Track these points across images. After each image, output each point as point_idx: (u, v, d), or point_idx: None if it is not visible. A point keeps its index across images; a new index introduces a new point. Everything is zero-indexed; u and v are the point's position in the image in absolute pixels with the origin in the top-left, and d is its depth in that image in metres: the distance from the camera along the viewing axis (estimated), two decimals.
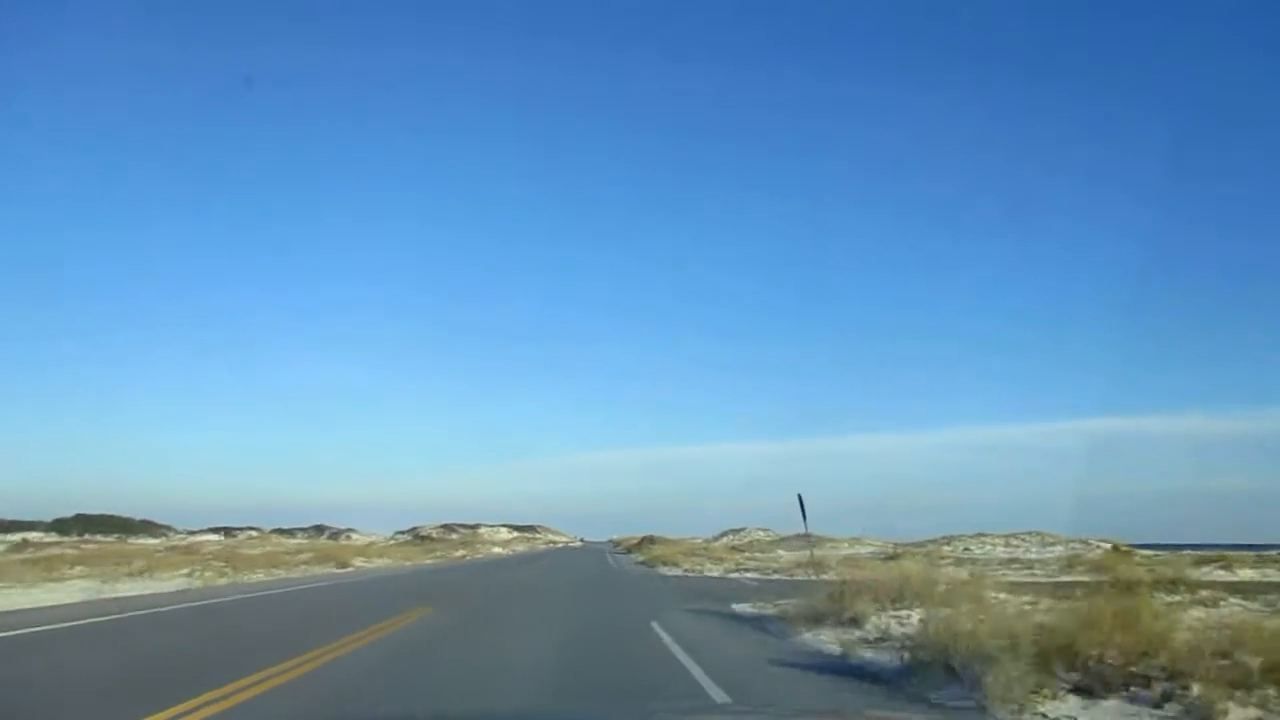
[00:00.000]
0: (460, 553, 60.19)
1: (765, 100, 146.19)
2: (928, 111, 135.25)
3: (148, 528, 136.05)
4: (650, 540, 77.14)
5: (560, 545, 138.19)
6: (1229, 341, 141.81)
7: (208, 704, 7.01)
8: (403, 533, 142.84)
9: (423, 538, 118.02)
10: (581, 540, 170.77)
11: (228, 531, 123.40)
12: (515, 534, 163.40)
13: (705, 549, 57.31)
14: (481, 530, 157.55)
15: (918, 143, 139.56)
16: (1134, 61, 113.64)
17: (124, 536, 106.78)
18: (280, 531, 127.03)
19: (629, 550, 78.51)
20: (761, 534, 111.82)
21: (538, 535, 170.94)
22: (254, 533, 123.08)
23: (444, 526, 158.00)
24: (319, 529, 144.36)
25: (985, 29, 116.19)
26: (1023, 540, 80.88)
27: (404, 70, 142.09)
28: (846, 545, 74.91)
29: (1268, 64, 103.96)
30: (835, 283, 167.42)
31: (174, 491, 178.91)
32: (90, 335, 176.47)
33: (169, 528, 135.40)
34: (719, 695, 7.62)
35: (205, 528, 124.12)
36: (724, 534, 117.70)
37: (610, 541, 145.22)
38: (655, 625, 13.42)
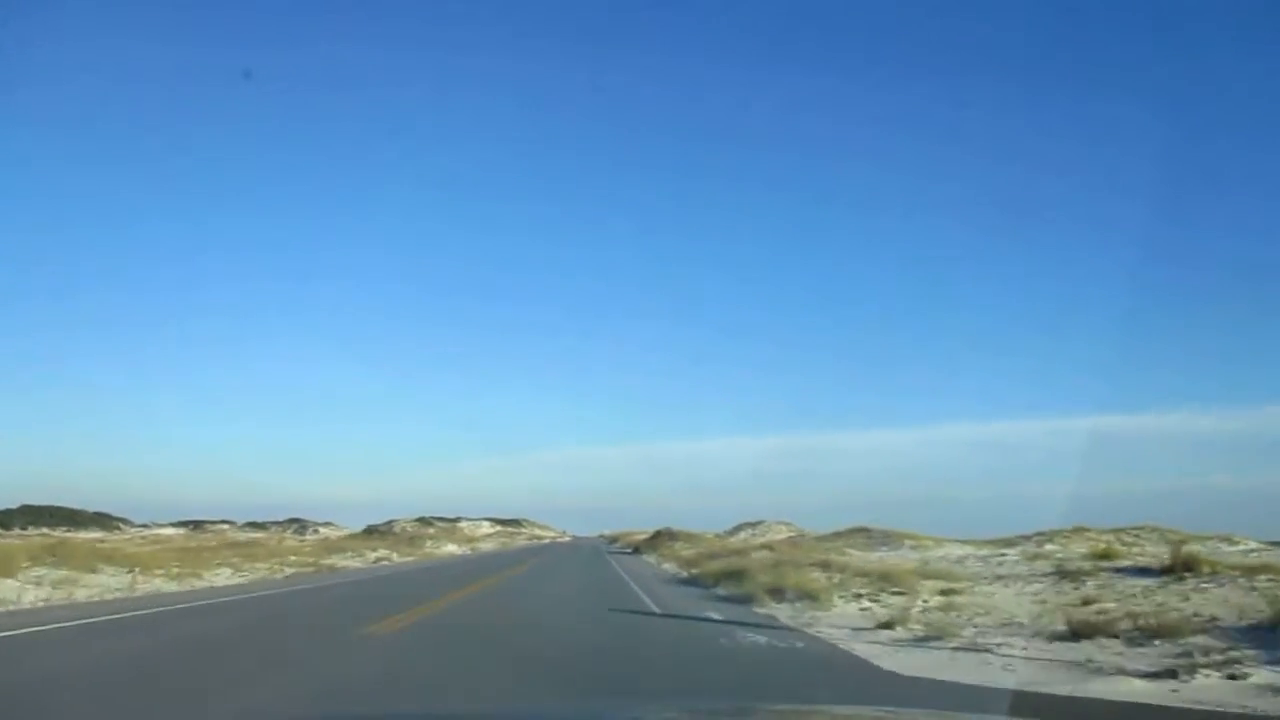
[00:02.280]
0: (376, 555, 36.67)
1: (763, 98, 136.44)
2: (927, 110, 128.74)
3: (100, 520, 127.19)
4: (669, 535, 53.68)
5: (546, 541, 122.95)
6: (1221, 339, 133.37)
7: None
8: (377, 526, 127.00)
9: (383, 534, 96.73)
10: (571, 535, 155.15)
11: (197, 525, 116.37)
12: (497, 528, 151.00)
13: (772, 548, 34.60)
14: (462, 524, 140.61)
15: (917, 141, 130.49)
16: (1133, 61, 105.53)
17: (72, 529, 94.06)
18: (253, 525, 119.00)
19: (637, 550, 55.14)
20: (784, 528, 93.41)
21: (521, 530, 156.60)
22: (226, 526, 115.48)
23: (420, 520, 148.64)
24: (294, 522, 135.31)
25: (986, 29, 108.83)
26: (1134, 536, 60.15)
27: (402, 67, 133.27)
28: (932, 544, 53.17)
29: (1266, 63, 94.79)
30: (833, 280, 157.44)
31: (145, 484, 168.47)
32: (71, 330, 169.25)
33: (125, 520, 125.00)
34: None
35: (174, 521, 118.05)
36: (739, 528, 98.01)
37: (602, 536, 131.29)
38: None
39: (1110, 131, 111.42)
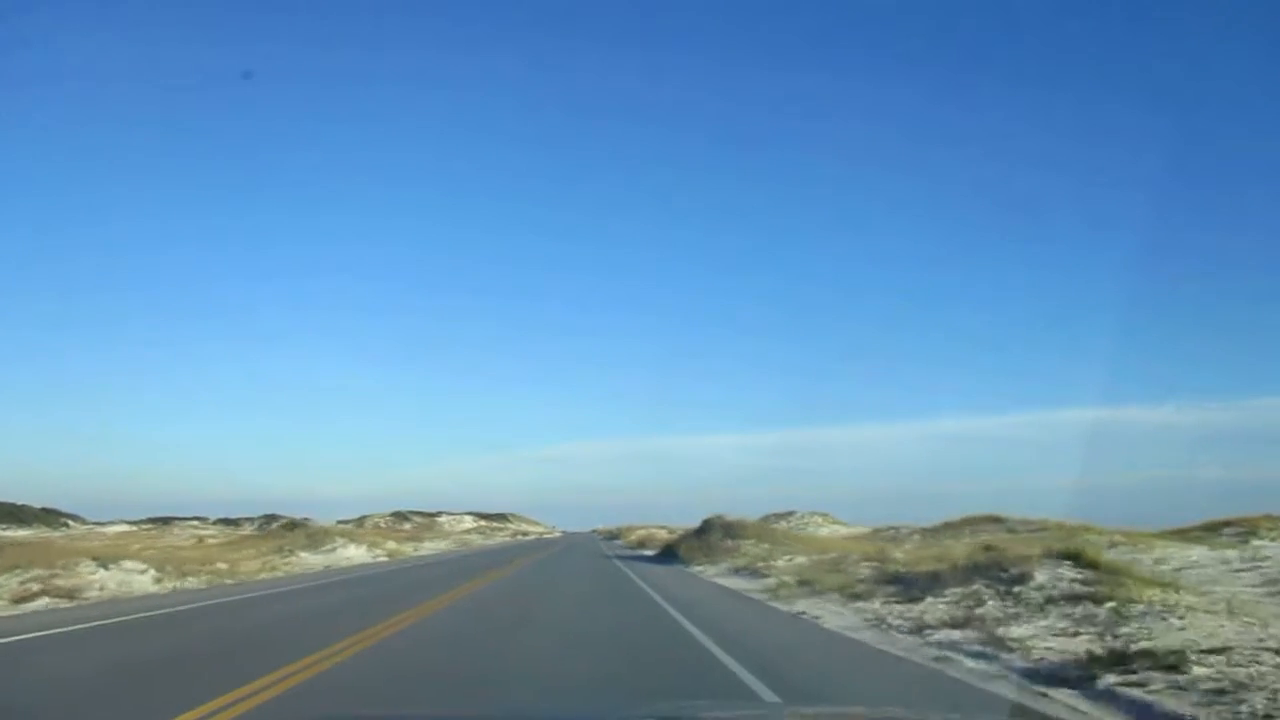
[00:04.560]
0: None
1: (764, 97, 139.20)
2: (928, 110, 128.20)
3: (48, 518, 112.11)
4: (725, 529, 31.49)
5: (531, 537, 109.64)
6: (1212, 336, 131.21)
7: None
8: (344, 522, 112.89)
9: (288, 531, 79.65)
10: (561, 531, 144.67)
11: (165, 522, 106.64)
12: (480, 523, 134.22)
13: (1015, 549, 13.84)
14: (442, 519, 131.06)
15: (919, 140, 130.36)
16: (1133, 60, 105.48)
17: (14, 527, 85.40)
18: (225, 521, 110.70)
19: (672, 553, 33.74)
20: (821, 519, 75.62)
21: (506, 525, 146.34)
22: (196, 523, 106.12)
23: (396, 514, 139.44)
24: (265, 518, 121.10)
25: (989, 28, 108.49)
26: None
27: (402, 67, 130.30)
28: (1123, 540, 33.10)
29: (1266, 61, 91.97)
30: (835, 277, 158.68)
31: (118, 481, 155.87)
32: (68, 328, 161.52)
33: (75, 517, 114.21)
34: None
35: (140, 518, 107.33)
36: (766, 520, 79.72)
37: (596, 532, 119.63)
38: None
39: (1109, 129, 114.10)
